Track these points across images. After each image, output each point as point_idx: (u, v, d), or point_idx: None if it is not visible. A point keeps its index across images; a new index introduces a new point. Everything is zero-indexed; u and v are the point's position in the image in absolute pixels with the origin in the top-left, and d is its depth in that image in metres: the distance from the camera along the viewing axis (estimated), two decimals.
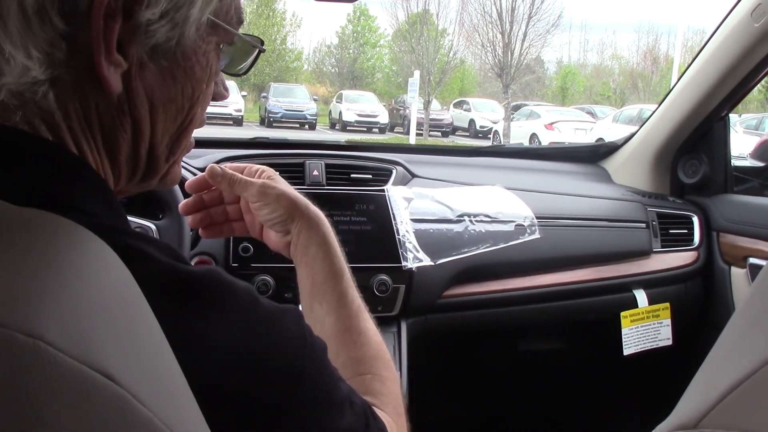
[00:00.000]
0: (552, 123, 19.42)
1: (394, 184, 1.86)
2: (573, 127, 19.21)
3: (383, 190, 1.78)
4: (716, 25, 1.93)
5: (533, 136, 19.47)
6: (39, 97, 0.56)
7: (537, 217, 1.86)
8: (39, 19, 0.53)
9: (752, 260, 1.95)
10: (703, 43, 1.99)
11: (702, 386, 0.79)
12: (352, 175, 1.85)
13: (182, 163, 1.68)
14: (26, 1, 0.52)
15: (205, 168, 1.74)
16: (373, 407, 0.74)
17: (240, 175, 1.00)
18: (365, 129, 23.36)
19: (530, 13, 23.23)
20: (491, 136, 22.07)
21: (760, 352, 0.69)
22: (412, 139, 18.76)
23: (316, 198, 1.70)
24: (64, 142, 0.58)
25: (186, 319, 0.54)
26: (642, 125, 2.28)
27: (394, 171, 1.90)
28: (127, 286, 0.46)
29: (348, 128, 23.20)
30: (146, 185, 0.70)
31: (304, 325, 0.65)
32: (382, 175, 1.88)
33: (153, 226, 1.44)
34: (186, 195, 1.59)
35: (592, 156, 2.46)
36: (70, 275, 0.41)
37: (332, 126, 24.96)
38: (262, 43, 0.75)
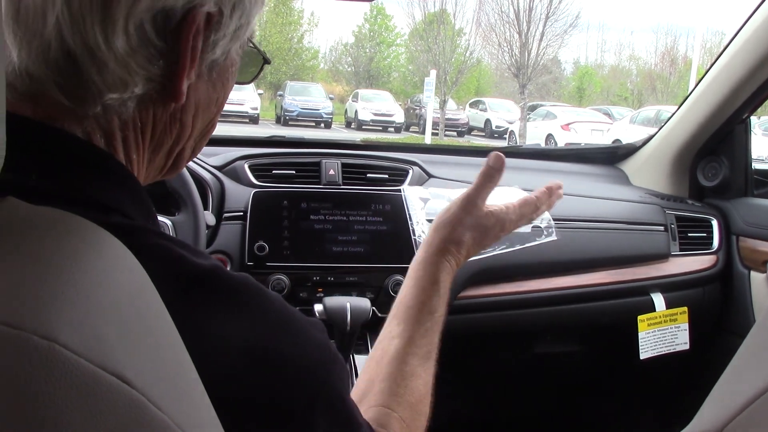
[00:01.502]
0: (568, 124, 19.33)
1: (411, 184, 1.86)
2: (590, 128, 19.11)
3: (399, 190, 1.77)
4: (738, 26, 1.90)
5: (549, 137, 19.39)
6: (121, 110, 0.58)
7: (554, 219, 1.84)
8: (139, 36, 0.55)
9: None
10: (724, 45, 1.97)
11: (725, 394, 0.78)
12: (369, 175, 1.84)
13: (199, 161, 1.69)
14: (130, 19, 0.54)
15: (222, 166, 1.76)
16: None
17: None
18: (381, 128, 23.36)
19: (548, 13, 23.13)
20: (507, 136, 22.01)
21: None
22: (428, 139, 18.75)
23: (332, 197, 1.71)
24: (114, 150, 0.59)
25: (215, 319, 0.54)
26: (661, 127, 2.25)
27: (411, 171, 1.89)
28: (143, 288, 0.46)
29: (363, 127, 23.22)
30: (164, 177, 0.71)
31: (329, 341, 0.65)
32: (398, 175, 1.88)
33: (169, 222, 1.44)
34: (201, 191, 1.60)
35: (610, 158, 2.44)
36: (87, 277, 0.40)
37: (348, 125, 24.98)
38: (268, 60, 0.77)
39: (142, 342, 0.42)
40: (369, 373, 0.90)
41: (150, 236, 0.55)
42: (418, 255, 1.01)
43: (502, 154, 1.04)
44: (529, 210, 1.10)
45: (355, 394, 0.87)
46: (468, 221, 1.01)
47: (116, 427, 0.36)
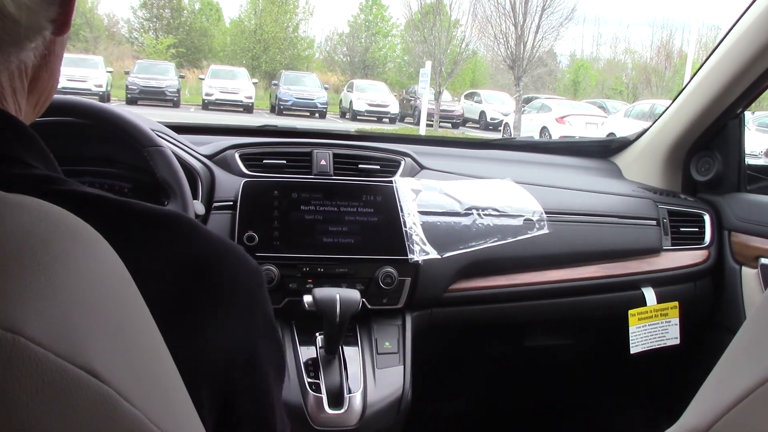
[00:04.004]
0: (563, 116, 19.31)
1: (403, 175, 1.84)
2: (584, 122, 19.10)
3: (391, 182, 1.76)
4: (733, 20, 1.89)
5: (544, 130, 19.38)
6: (23, 59, 0.56)
7: (546, 212, 1.84)
8: None
9: (764, 261, 1.92)
10: (719, 39, 1.96)
11: (713, 392, 0.77)
12: (360, 166, 1.83)
13: (189, 150, 1.68)
14: None
15: (212, 155, 1.75)
16: None
17: None
18: (375, 119, 23.34)
19: (544, 6, 23.03)
20: (501, 128, 21.99)
21: None
22: (422, 130, 18.72)
23: (323, 188, 1.70)
24: (5, 102, 0.57)
25: (144, 249, 0.53)
26: (655, 121, 2.24)
27: (403, 162, 1.88)
28: (119, 278, 0.44)
29: (358, 117, 23.19)
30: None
31: (263, 284, 0.63)
32: (390, 166, 1.86)
33: None
34: (191, 179, 1.58)
35: (604, 151, 2.43)
36: (56, 265, 0.39)
37: (342, 115, 24.96)
38: None
39: (116, 335, 0.40)
40: None
41: (63, 183, 0.53)
42: None
43: None
44: None
45: None
46: None
47: (84, 422, 0.35)
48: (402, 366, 1.60)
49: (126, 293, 0.44)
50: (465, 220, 1.77)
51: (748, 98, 1.98)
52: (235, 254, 0.60)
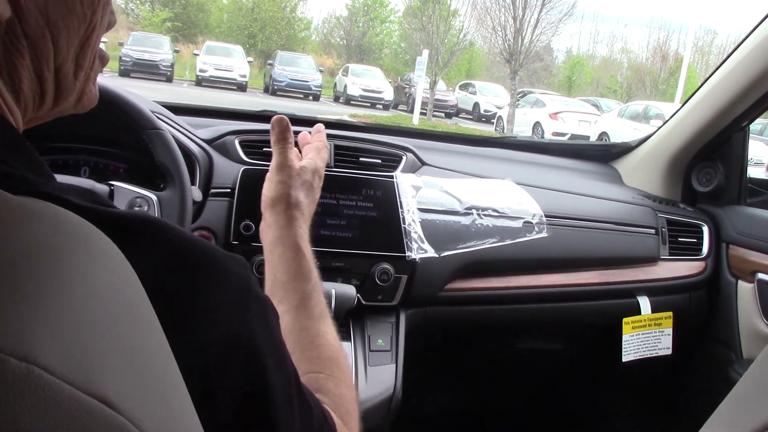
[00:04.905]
0: (557, 113, 19.33)
1: (404, 170, 1.82)
2: (577, 119, 19.13)
3: (392, 177, 1.73)
4: (746, 31, 1.88)
5: (537, 125, 19.40)
6: None
7: (545, 216, 1.82)
8: None
9: (761, 276, 1.91)
10: (731, 50, 1.94)
11: (726, 423, 0.75)
12: (361, 159, 1.80)
13: (188, 134, 1.64)
14: None
15: (211, 140, 1.71)
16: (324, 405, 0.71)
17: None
18: (369, 104, 23.30)
19: (544, 1, 23.01)
20: (495, 121, 22.00)
21: None
22: (416, 118, 18.69)
23: (323, 180, 1.67)
24: None
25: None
26: (659, 128, 2.23)
27: (404, 157, 1.85)
28: (134, 295, 0.42)
29: (352, 102, 23.15)
30: (62, 110, 0.63)
31: (252, 276, 0.59)
32: (391, 161, 1.84)
33: (154, 197, 1.39)
34: (189, 164, 1.55)
35: (605, 155, 2.42)
36: (69, 284, 0.36)
37: (336, 99, 24.89)
38: None
39: (129, 358, 0.38)
40: None
41: (39, 185, 0.48)
42: (268, 238, 1.02)
43: (284, 117, 1.13)
44: (326, 151, 1.23)
45: None
46: (293, 183, 1.07)
47: None
48: (394, 364, 1.58)
49: (139, 309, 0.42)
50: (464, 220, 1.75)
51: (754, 112, 1.96)
52: (215, 254, 0.56)
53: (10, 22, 0.52)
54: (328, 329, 0.90)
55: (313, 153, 1.18)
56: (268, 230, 1.03)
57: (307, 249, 0.99)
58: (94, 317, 0.36)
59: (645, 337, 1.92)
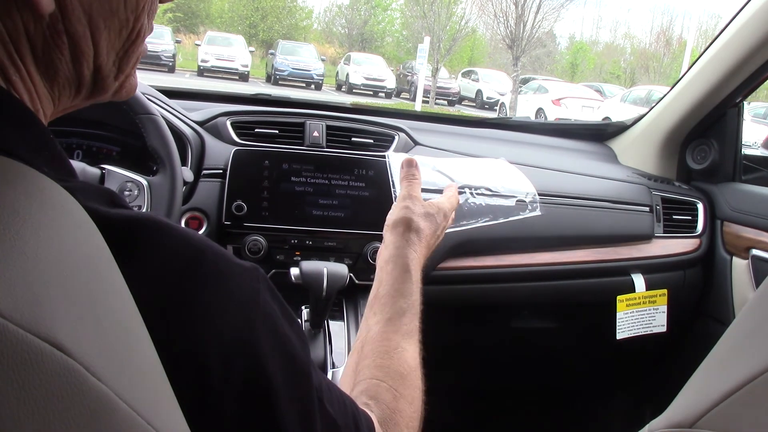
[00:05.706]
0: (559, 99, 19.29)
1: (396, 150, 1.82)
2: (580, 104, 19.09)
3: (384, 156, 1.73)
4: (736, 9, 1.87)
5: (539, 111, 19.35)
6: None
7: (539, 194, 1.82)
8: None
9: (755, 252, 1.91)
10: (721, 27, 1.93)
11: (700, 386, 0.76)
12: (353, 139, 1.80)
13: (180, 116, 1.64)
14: None
15: (203, 121, 1.72)
16: (370, 413, 0.72)
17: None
18: (371, 93, 23.27)
19: None
20: (497, 107, 21.95)
21: (761, 358, 0.66)
22: (418, 106, 18.66)
23: (315, 159, 1.67)
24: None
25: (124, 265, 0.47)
26: (653, 107, 2.22)
27: (397, 137, 1.86)
28: (93, 247, 0.42)
29: (354, 91, 23.11)
30: (97, 100, 0.63)
31: (262, 288, 0.58)
32: (383, 141, 1.84)
33: (145, 182, 1.39)
34: (180, 146, 1.56)
35: (600, 135, 2.41)
36: (27, 233, 0.37)
37: (338, 87, 24.85)
38: None
39: (86, 308, 0.38)
40: (353, 362, 0.90)
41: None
42: (383, 256, 1.06)
43: (412, 158, 1.22)
44: (455, 198, 1.30)
45: (343, 384, 0.88)
46: (417, 211, 1.11)
47: (46, 395, 0.33)
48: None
49: (102, 267, 0.42)
50: None
51: (748, 88, 1.96)
52: (220, 265, 0.54)
53: (53, 17, 0.52)
54: (410, 348, 0.91)
55: (447, 193, 1.28)
56: (385, 250, 1.07)
57: (417, 274, 1.03)
58: (48, 264, 0.37)
59: (639, 315, 1.92)
